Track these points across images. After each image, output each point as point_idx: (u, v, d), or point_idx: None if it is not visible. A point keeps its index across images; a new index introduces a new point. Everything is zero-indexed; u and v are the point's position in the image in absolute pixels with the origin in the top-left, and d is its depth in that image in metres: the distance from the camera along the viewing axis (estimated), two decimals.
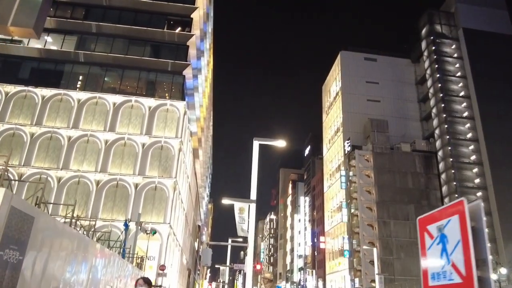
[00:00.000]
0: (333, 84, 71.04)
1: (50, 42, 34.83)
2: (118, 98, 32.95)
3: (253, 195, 12.71)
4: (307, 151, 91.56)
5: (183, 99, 33.52)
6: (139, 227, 19.34)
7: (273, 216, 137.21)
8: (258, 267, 39.19)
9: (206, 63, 49.51)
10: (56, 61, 34.06)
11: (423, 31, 63.48)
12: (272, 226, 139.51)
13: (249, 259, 12.19)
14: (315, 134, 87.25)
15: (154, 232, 21.41)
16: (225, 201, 12.79)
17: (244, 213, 12.58)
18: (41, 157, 30.45)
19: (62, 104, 32.29)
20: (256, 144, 13.33)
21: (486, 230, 3.67)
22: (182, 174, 35.61)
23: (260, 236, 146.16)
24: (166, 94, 34.23)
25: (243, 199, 12.80)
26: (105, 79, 34.71)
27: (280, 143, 13.63)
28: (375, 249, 39.18)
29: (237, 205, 12.58)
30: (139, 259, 20.67)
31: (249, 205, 12.75)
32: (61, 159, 30.42)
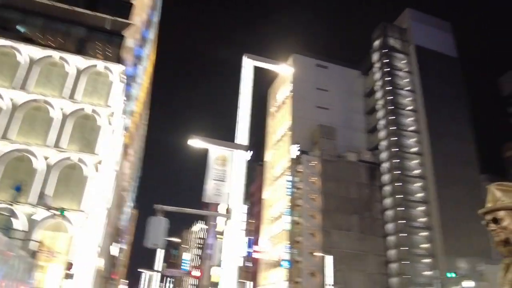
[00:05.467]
0: (282, 88, 67.93)
1: None
2: (36, 52, 25.97)
3: (244, 136, 7.73)
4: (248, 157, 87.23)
5: (119, 62, 27.39)
6: (42, 201, 13.27)
7: (202, 225, 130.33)
8: (198, 273, 33.69)
9: (148, 55, 43.63)
10: None
11: (376, 43, 62.94)
12: (199, 236, 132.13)
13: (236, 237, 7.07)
14: (258, 140, 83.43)
15: (62, 211, 15.39)
16: (193, 143, 7.60)
17: (226, 164, 7.50)
18: None
19: None
20: (248, 63, 8.40)
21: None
22: (109, 155, 29.10)
23: (186, 246, 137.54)
24: (100, 55, 27.82)
25: (226, 142, 7.74)
26: (22, 28, 27.44)
27: (282, 69, 8.88)
28: (331, 257, 35.18)
29: (215, 151, 7.47)
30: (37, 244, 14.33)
31: (231, 153, 7.72)
32: None
